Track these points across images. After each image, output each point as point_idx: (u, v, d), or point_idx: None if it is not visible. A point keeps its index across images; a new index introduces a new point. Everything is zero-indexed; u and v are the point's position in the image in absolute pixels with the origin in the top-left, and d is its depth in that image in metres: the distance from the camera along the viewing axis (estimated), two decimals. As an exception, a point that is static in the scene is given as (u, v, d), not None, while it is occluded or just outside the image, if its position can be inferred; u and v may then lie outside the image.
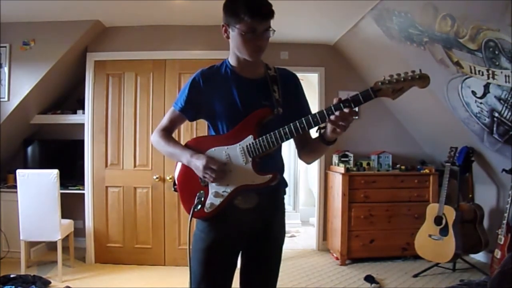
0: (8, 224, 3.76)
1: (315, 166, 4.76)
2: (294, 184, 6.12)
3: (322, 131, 1.42)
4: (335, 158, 4.34)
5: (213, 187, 1.46)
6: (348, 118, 1.30)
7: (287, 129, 1.38)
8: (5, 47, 3.70)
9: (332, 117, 1.31)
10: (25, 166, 4.07)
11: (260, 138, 1.41)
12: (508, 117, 2.99)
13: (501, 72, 2.72)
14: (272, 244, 1.58)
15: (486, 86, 2.94)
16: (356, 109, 1.33)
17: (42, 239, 3.56)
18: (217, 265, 1.50)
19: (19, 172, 3.40)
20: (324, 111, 1.33)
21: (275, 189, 1.52)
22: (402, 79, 1.28)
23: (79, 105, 4.14)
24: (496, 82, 2.81)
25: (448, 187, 3.55)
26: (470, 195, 3.91)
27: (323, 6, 3.35)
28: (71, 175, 4.03)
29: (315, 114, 1.35)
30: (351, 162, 4.18)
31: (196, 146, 1.51)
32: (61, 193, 3.46)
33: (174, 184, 1.58)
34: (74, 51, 3.81)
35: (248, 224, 1.51)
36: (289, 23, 3.82)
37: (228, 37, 1.47)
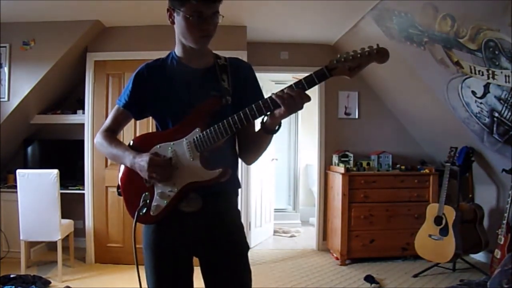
0: (8, 224, 3.76)
1: (315, 166, 4.76)
2: (294, 184, 6.09)
3: (265, 119, 1.31)
4: (335, 158, 4.34)
5: (159, 188, 1.33)
6: (296, 97, 1.20)
7: (236, 117, 1.25)
8: (5, 47, 3.69)
9: (279, 93, 1.21)
10: (25, 166, 4.06)
11: (208, 130, 1.29)
12: (508, 117, 2.99)
13: (501, 72, 2.72)
14: (223, 252, 1.39)
15: (486, 86, 2.94)
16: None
17: (42, 239, 3.56)
18: (169, 279, 1.42)
19: (19, 172, 3.40)
20: (274, 96, 1.23)
21: (223, 191, 1.40)
22: (358, 56, 1.20)
23: (79, 105, 4.14)
24: (496, 82, 2.81)
25: (448, 187, 3.55)
26: (470, 195, 3.91)
27: (323, 6, 3.35)
28: (71, 175, 4.02)
29: (266, 99, 1.24)
30: (351, 162, 4.18)
31: (141, 145, 1.39)
32: (61, 193, 3.47)
33: (118, 187, 1.44)
34: (74, 51, 3.81)
35: (192, 230, 1.37)
36: (289, 23, 3.83)
37: (173, 22, 1.37)
